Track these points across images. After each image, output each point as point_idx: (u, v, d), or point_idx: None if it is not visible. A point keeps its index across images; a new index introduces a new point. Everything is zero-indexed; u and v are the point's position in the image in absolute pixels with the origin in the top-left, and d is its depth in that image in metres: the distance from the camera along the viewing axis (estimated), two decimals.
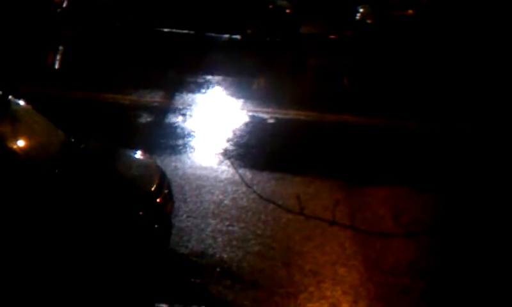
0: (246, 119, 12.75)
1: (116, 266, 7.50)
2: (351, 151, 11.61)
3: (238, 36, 17.95)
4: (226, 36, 18.26)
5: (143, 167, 8.55)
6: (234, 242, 8.62)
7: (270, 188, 10.02)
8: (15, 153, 7.45)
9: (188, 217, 9.10)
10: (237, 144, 11.58)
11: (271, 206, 9.44)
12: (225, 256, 8.34)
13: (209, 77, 15.05)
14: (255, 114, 12.97)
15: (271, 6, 18.19)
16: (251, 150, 11.40)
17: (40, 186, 7.39)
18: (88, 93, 13.43)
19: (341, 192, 9.97)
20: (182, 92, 13.93)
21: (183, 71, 15.24)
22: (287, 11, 18.26)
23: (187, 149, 11.25)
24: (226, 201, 9.61)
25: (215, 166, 10.70)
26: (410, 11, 17.54)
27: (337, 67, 16.85)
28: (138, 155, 8.76)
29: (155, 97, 13.66)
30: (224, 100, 13.90)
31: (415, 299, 7.98)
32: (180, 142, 11.49)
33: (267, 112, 13.06)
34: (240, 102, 13.63)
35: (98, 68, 15.16)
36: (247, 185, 9.97)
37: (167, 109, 13.06)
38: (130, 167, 8.47)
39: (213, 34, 18.11)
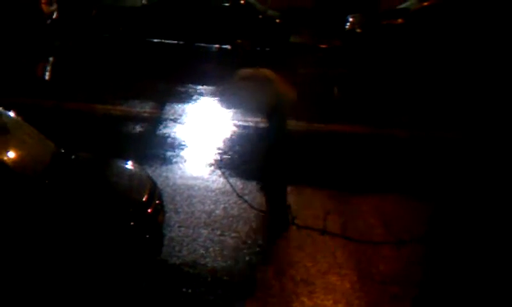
0: (237, 129, 12.76)
1: (107, 276, 7.47)
2: (342, 160, 11.62)
3: (228, 46, 17.99)
4: (216, 46, 18.31)
5: (133, 177, 8.53)
6: (226, 252, 8.61)
7: (261, 198, 10.01)
8: (4, 165, 7.42)
9: (179, 227, 9.09)
10: (228, 154, 11.59)
11: (262, 215, 9.46)
12: (217, 265, 8.32)
13: (199, 87, 15.07)
14: (245, 123, 12.97)
15: (261, 16, 18.26)
16: (242, 160, 11.40)
17: (30, 197, 7.37)
18: (78, 104, 13.44)
19: (332, 202, 9.99)
20: (172, 102, 13.94)
21: (173, 81, 15.26)
22: (277, 21, 18.34)
23: (178, 159, 11.24)
24: (217, 211, 9.60)
25: (206, 176, 10.69)
26: (400, 20, 17.61)
27: (327, 76, 16.90)
28: (129, 165, 8.75)
29: (145, 107, 13.67)
30: (215, 110, 13.91)
31: None
32: (171, 152, 11.49)
33: (257, 122, 13.06)
34: (231, 111, 13.63)
35: (88, 78, 15.17)
36: (238, 195, 9.98)
37: (157, 119, 13.07)
38: (120, 178, 8.46)
39: (203, 44, 18.16)
